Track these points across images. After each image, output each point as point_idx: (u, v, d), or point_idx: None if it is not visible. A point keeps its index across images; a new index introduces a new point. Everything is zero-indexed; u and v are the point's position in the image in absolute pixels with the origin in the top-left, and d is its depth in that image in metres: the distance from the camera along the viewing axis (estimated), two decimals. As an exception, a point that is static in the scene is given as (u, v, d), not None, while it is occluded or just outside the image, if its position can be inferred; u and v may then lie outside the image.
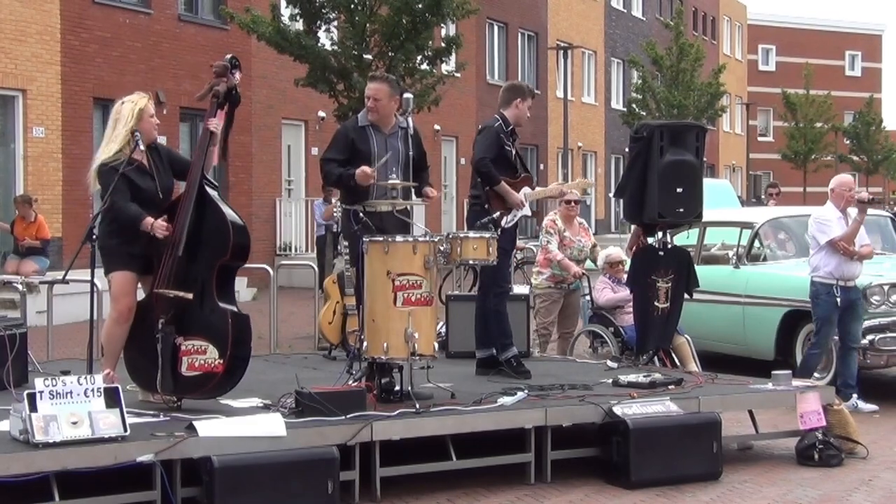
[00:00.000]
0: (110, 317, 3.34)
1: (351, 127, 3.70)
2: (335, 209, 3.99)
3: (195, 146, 3.40)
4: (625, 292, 5.00)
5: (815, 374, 5.02)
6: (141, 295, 3.35)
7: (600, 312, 5.03)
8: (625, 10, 22.30)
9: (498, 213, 3.91)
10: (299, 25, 8.32)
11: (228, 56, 3.43)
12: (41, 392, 2.76)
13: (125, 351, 3.35)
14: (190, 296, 3.20)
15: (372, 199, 3.58)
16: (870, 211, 4.85)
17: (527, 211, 4.00)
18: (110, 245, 3.32)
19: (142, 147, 3.27)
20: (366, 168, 3.50)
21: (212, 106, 3.38)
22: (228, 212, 3.29)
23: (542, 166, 17.81)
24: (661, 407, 3.45)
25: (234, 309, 3.26)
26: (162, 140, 3.78)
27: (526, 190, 4.01)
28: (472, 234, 3.87)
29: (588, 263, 5.21)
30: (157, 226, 3.20)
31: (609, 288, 5.05)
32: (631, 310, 4.93)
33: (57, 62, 9.08)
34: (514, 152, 4.00)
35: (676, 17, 19.30)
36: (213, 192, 3.30)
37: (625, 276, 5.06)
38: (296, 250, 11.78)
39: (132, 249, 3.29)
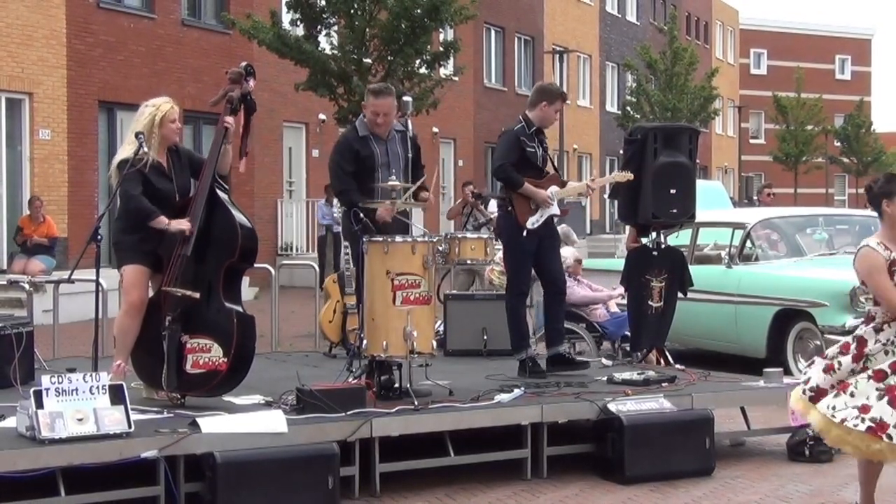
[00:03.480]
0: (122, 309, 3.39)
1: (352, 138, 3.72)
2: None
3: (210, 145, 3.41)
4: (601, 291, 5.05)
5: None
6: (149, 293, 3.39)
7: (570, 310, 5.08)
8: (619, 15, 22.41)
9: (509, 207, 3.83)
10: (300, 30, 8.37)
11: (244, 63, 3.47)
12: (47, 389, 2.80)
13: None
14: (197, 295, 3.25)
15: (375, 200, 3.60)
16: (861, 212, 4.91)
17: (555, 210, 3.95)
18: (124, 241, 3.38)
19: (145, 149, 3.33)
20: (384, 212, 3.49)
21: (224, 112, 3.43)
22: (238, 215, 3.34)
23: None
24: (655, 404, 3.49)
25: (240, 309, 3.31)
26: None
27: (553, 188, 3.97)
28: (469, 234, 3.92)
29: None
30: (177, 223, 3.24)
31: (576, 286, 5.13)
32: (599, 306, 4.95)
33: (63, 66, 9.16)
34: (539, 152, 3.95)
35: (670, 21, 19.42)
36: (223, 195, 3.35)
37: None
38: (297, 250, 11.88)
39: (145, 246, 3.34)
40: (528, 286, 4.12)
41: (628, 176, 4.27)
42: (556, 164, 4.16)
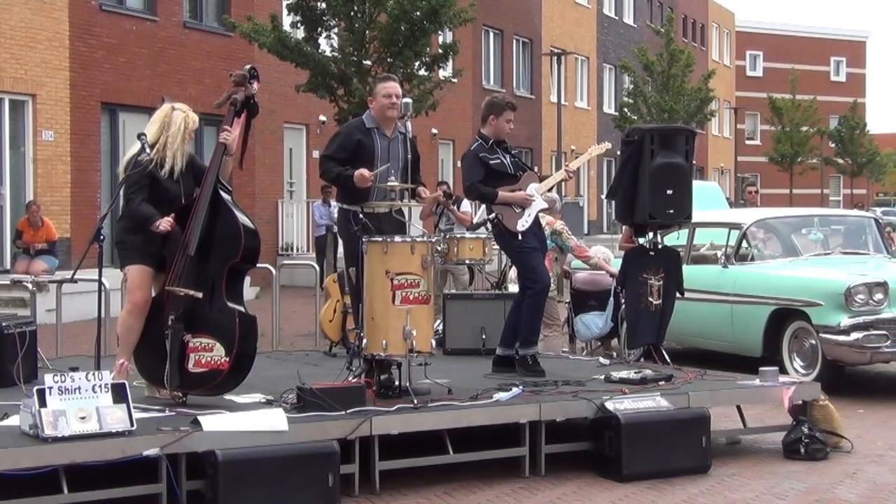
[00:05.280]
0: (125, 308, 3.42)
1: (356, 127, 3.72)
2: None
3: (211, 156, 3.44)
4: None
5: (801, 371, 5.15)
6: (153, 292, 3.42)
7: None
8: (616, 18, 22.51)
9: (494, 216, 3.95)
10: (300, 33, 8.39)
11: (248, 66, 3.49)
12: (50, 388, 2.82)
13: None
14: (200, 294, 3.27)
15: (372, 201, 3.64)
16: (855, 212, 4.95)
17: (540, 204, 4.02)
18: (128, 241, 3.41)
19: (147, 150, 3.36)
20: (364, 172, 3.54)
21: (229, 114, 3.45)
22: (241, 216, 3.37)
23: (535, 168, 18.00)
24: (652, 402, 3.52)
25: (242, 309, 3.33)
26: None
27: (534, 185, 4.04)
28: (468, 234, 3.95)
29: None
30: (162, 221, 3.26)
31: None
32: None
33: (65, 68, 9.21)
34: (505, 161, 4.02)
35: (667, 23, 19.48)
36: (227, 197, 3.38)
37: None
38: (297, 250, 11.97)
39: (149, 247, 3.37)
40: (548, 278, 4.13)
41: (605, 147, 4.44)
42: (529, 163, 4.22)
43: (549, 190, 4.13)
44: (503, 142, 4.09)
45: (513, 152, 4.12)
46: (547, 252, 5.10)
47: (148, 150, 3.37)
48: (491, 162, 4.00)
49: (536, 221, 4.03)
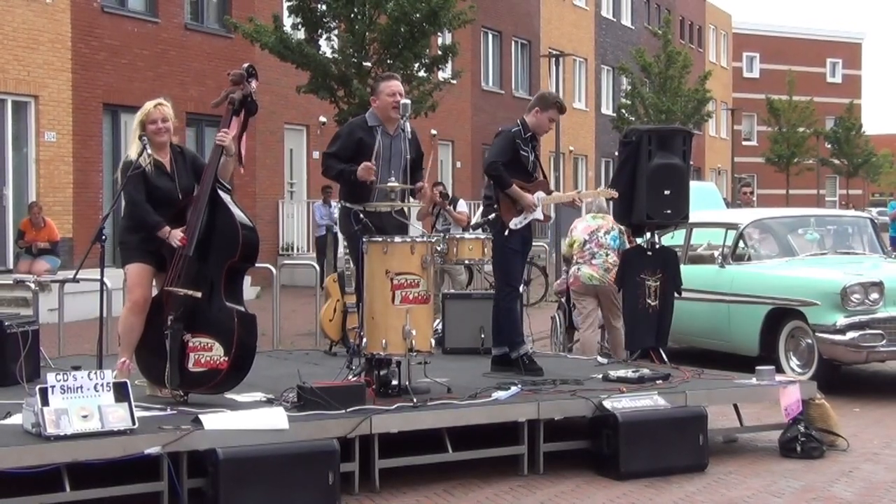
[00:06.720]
0: (125, 307, 3.43)
1: (358, 126, 3.73)
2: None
3: (209, 156, 3.46)
4: None
5: (797, 370, 5.16)
6: (153, 292, 3.45)
7: None
8: (614, 20, 22.60)
9: (493, 216, 3.99)
10: (301, 34, 8.44)
11: (245, 65, 3.49)
12: (53, 387, 2.84)
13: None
14: (199, 294, 3.29)
15: (373, 201, 3.65)
16: (851, 213, 4.95)
17: (538, 214, 4.05)
18: (128, 240, 3.44)
19: (148, 150, 3.39)
20: (367, 162, 3.54)
21: (227, 113, 3.46)
22: (239, 215, 3.38)
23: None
24: (650, 401, 3.55)
25: (241, 308, 3.35)
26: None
27: (540, 194, 4.06)
28: (467, 234, 3.99)
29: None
30: (174, 235, 3.31)
31: None
32: None
33: (68, 69, 9.24)
34: (531, 157, 4.05)
35: (664, 25, 19.56)
36: (225, 196, 3.40)
37: None
38: (298, 250, 12.01)
39: (149, 245, 3.40)
40: (520, 283, 4.19)
41: (614, 193, 4.44)
42: (545, 171, 4.25)
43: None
44: (536, 138, 4.11)
45: (537, 153, 4.12)
46: (615, 250, 5.09)
47: (149, 150, 3.40)
48: (521, 152, 4.03)
49: (527, 226, 4.06)
